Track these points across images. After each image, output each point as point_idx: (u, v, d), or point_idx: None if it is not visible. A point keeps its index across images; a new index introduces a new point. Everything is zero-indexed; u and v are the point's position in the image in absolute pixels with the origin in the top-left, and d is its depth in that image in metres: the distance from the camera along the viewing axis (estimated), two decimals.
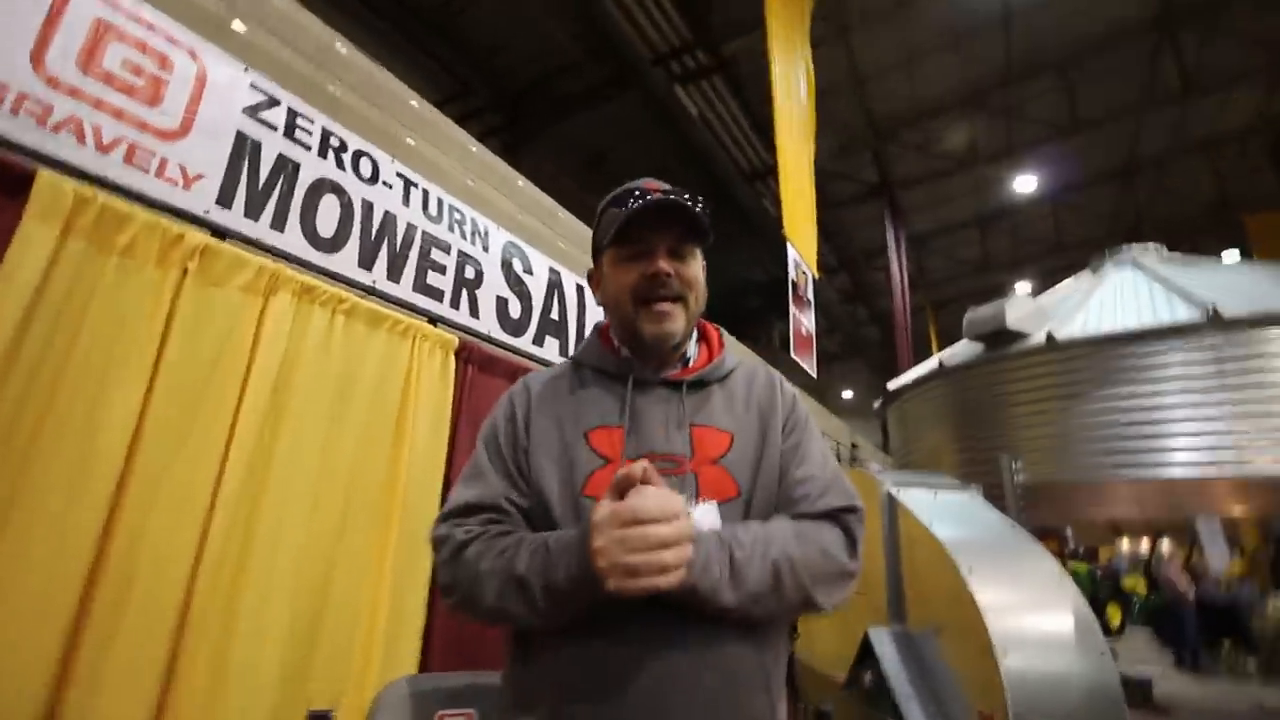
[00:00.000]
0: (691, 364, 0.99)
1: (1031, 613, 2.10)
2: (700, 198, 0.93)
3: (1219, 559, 9.60)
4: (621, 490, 0.73)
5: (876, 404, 6.51)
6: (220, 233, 1.81)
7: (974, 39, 8.68)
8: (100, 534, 1.43)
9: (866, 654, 2.62)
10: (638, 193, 0.92)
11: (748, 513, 0.88)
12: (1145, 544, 15.24)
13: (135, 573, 1.46)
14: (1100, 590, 9.91)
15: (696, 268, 0.97)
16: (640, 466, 0.73)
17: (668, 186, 0.93)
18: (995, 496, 3.71)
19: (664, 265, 0.91)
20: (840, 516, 0.89)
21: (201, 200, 1.77)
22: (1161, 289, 4.34)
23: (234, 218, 1.84)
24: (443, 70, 7.90)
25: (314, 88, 2.24)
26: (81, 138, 1.55)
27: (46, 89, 1.51)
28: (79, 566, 1.39)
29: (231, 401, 1.70)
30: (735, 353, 1.04)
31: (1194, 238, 10.60)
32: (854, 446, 9.89)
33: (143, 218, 1.57)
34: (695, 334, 1.03)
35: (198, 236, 1.67)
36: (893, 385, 5.79)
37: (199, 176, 1.77)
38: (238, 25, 2.18)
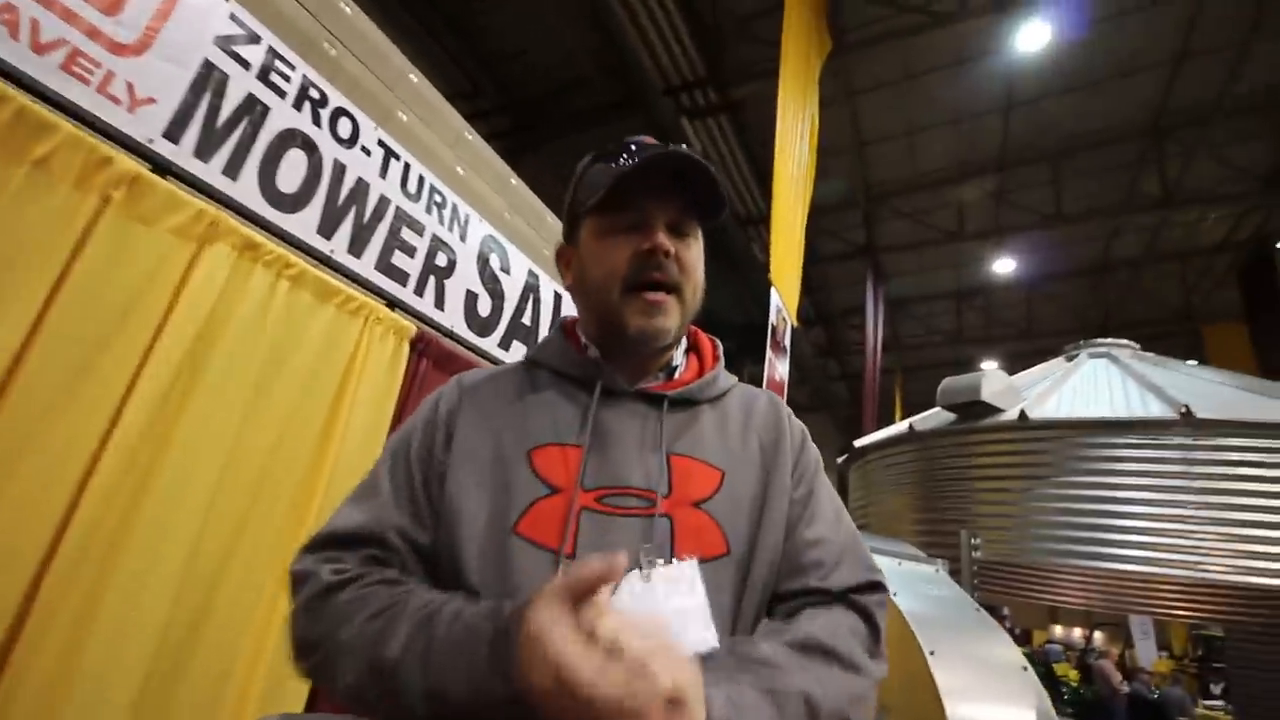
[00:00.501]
0: (677, 376, 0.80)
1: (992, 703, 1.94)
2: (713, 168, 0.74)
3: (1147, 656, 9.65)
4: (576, 595, 0.48)
5: (840, 460, 6.42)
6: (162, 168, 1.59)
7: (975, 120, 8.90)
8: None
9: None
10: (634, 146, 0.73)
11: (741, 581, 0.67)
12: (1078, 633, 15.38)
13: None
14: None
15: (699, 253, 0.78)
16: (605, 565, 0.48)
17: (676, 147, 0.73)
18: (951, 571, 3.57)
19: (664, 241, 0.71)
20: (861, 599, 0.69)
21: (145, 127, 1.56)
22: (1135, 384, 4.34)
23: (180, 153, 1.62)
24: (454, 64, 7.78)
25: (301, 35, 2.05)
26: (15, 31, 1.34)
27: None
28: None
29: (137, 355, 1.47)
30: (730, 376, 0.85)
31: (1157, 340, 10.94)
32: None
33: (67, 130, 1.35)
34: (685, 342, 0.84)
35: (129, 164, 1.45)
36: (860, 443, 5.70)
37: (148, 100, 1.56)
38: None
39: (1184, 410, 3.75)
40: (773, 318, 6.44)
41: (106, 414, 1.41)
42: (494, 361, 2.60)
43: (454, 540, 0.66)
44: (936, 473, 4.67)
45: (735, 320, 12.66)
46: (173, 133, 1.61)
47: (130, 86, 1.53)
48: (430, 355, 2.28)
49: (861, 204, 10.78)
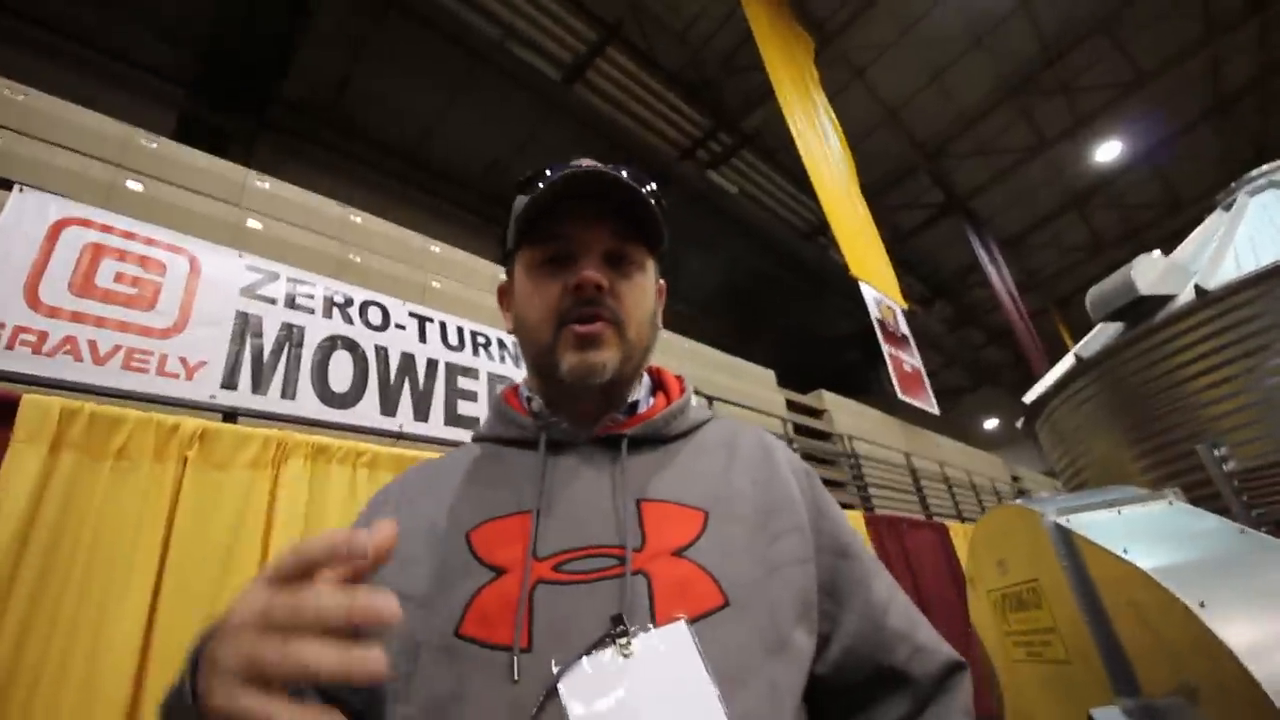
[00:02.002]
0: (640, 413, 0.68)
1: None
2: (647, 178, 0.65)
3: None
4: (285, 577, 0.34)
5: (1019, 424, 5.62)
6: (230, 414, 1.76)
7: (998, 33, 8.24)
8: None
9: None
10: (556, 168, 0.64)
11: (755, 636, 0.53)
12: None
13: None
14: None
15: (645, 284, 0.67)
16: (327, 542, 0.33)
17: (600, 166, 0.64)
18: (1205, 498, 2.91)
19: (591, 274, 0.62)
20: (959, 688, 0.61)
21: (205, 387, 1.74)
22: None
23: (241, 396, 1.79)
24: (472, 214, 8.34)
25: (317, 255, 2.28)
26: (78, 355, 1.56)
27: (42, 318, 1.55)
28: None
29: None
30: (703, 409, 0.73)
31: None
32: (1015, 479, 8.58)
33: (134, 417, 1.52)
34: (649, 383, 0.73)
35: (193, 423, 1.61)
36: (1029, 397, 4.97)
37: (200, 364, 1.75)
38: (253, 223, 2.29)
39: None
40: (874, 311, 5.98)
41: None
42: None
43: (393, 668, 0.54)
44: (1131, 395, 3.92)
45: (848, 329, 12.03)
46: (230, 381, 1.78)
47: (183, 360, 1.72)
48: None
49: (922, 165, 10.14)
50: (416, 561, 0.58)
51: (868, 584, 0.63)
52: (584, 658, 0.49)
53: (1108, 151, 10.62)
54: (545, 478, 0.61)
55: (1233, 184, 4.62)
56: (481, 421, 0.73)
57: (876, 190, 9.43)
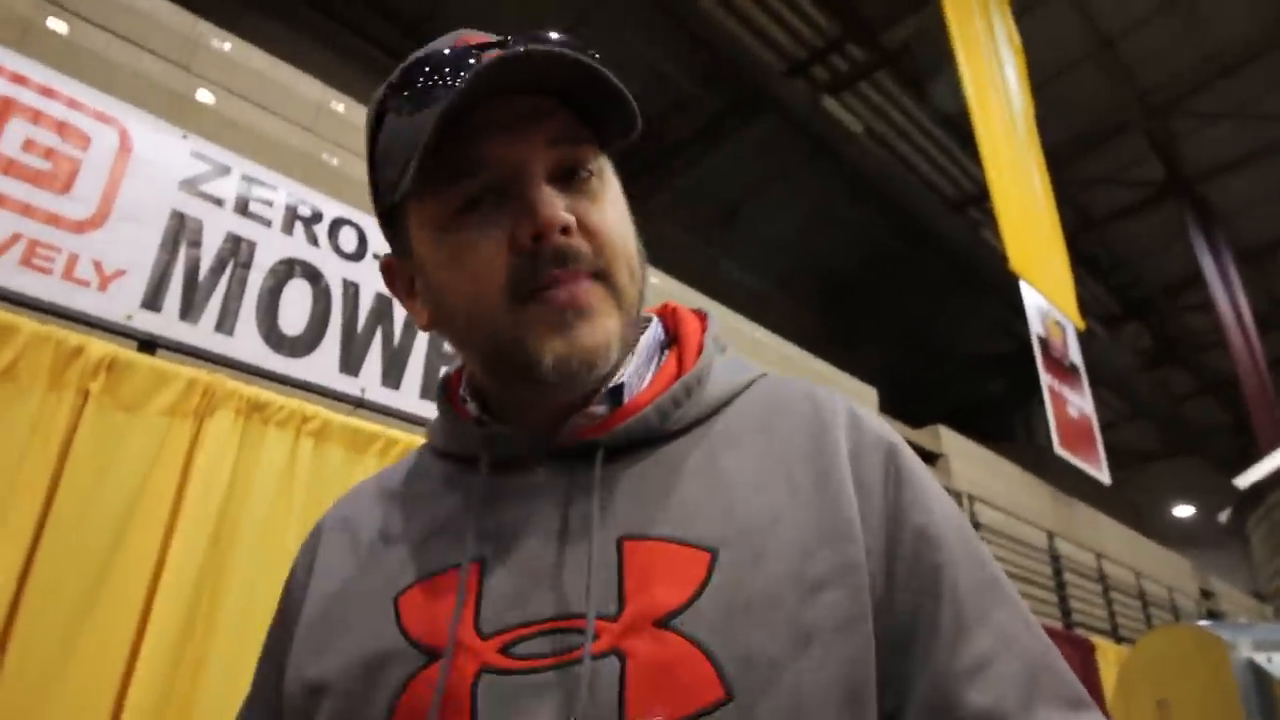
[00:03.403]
0: (628, 400, 0.64)
1: None
2: (587, 50, 0.59)
3: None
4: None
5: (1224, 516, 5.50)
6: (148, 343, 1.87)
7: None
8: None
9: None
10: (449, 59, 0.59)
11: None
12: None
13: None
14: None
15: (615, 200, 0.64)
16: None
17: (492, 37, 0.60)
18: None
19: (555, 211, 0.56)
20: None
21: (121, 303, 1.86)
22: None
23: (166, 322, 1.91)
24: None
25: (283, 151, 2.39)
26: None
27: None
28: None
29: (153, 553, 1.69)
30: (738, 368, 0.70)
31: None
32: (1206, 595, 8.36)
33: (29, 329, 1.65)
34: (653, 339, 0.69)
35: (101, 348, 1.73)
36: (1247, 480, 4.87)
37: (118, 274, 1.87)
38: (204, 95, 2.42)
39: None
40: (1036, 326, 5.90)
41: (129, 630, 1.62)
42: None
43: None
44: None
45: (996, 348, 11.84)
46: (152, 301, 1.90)
47: (97, 264, 1.85)
48: None
49: (1139, 124, 9.85)
50: (340, 637, 0.61)
51: (957, 635, 0.57)
52: None
53: None
54: (491, 515, 0.61)
55: None
56: (432, 420, 0.73)
57: (1066, 154, 9.22)
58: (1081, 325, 6.62)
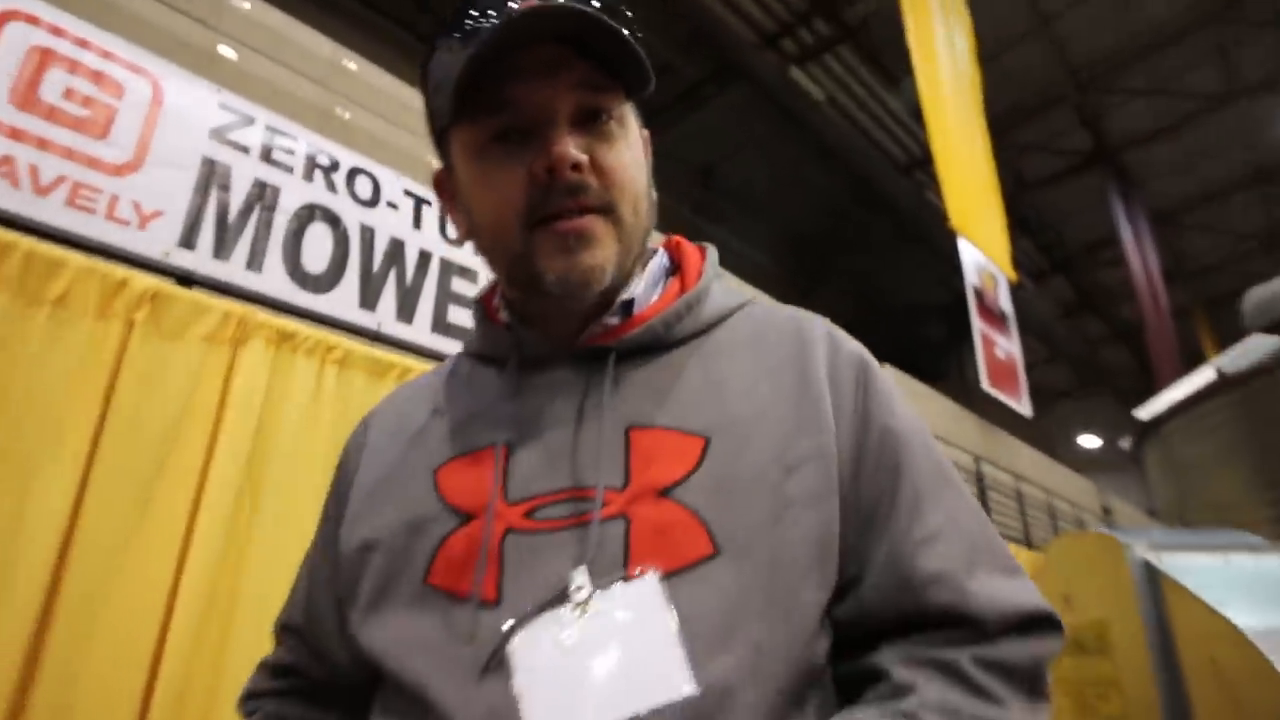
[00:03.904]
0: (636, 313, 0.67)
1: None
2: (615, 6, 0.60)
3: None
4: None
5: (1125, 443, 5.66)
6: (185, 279, 1.85)
7: None
8: (28, 649, 1.42)
9: None
10: (491, 10, 0.59)
11: (749, 589, 0.55)
12: None
13: (80, 673, 1.46)
14: None
15: (630, 146, 0.64)
16: None
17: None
18: None
19: (564, 149, 0.57)
20: (1021, 649, 0.55)
21: (159, 241, 1.83)
22: None
23: (200, 259, 1.88)
24: None
25: (300, 104, 2.32)
26: (15, 180, 1.65)
27: None
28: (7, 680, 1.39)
29: (195, 473, 1.70)
30: (732, 293, 0.73)
31: None
32: (1106, 511, 8.65)
33: (77, 264, 1.62)
34: (659, 267, 0.72)
35: (144, 282, 1.70)
36: (1145, 413, 5.00)
37: (155, 214, 1.83)
38: (226, 51, 2.34)
39: None
40: (972, 278, 5.95)
41: (177, 536, 1.64)
42: None
43: (363, 620, 0.63)
44: (1275, 425, 3.94)
45: (936, 299, 11.93)
46: (188, 239, 1.87)
47: (136, 205, 1.81)
48: None
49: (1071, 97, 9.80)
50: (387, 504, 0.66)
51: (913, 513, 0.60)
52: (538, 616, 0.54)
53: None
54: (518, 405, 0.64)
55: None
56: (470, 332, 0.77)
57: (1004, 123, 9.18)
58: (1014, 278, 6.69)
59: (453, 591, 0.58)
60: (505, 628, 0.54)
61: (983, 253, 6.14)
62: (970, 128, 6.61)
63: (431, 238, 2.38)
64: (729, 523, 0.56)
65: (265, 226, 2.01)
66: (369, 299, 2.17)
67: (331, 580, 0.69)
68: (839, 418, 0.62)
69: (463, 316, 2.38)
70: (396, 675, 0.59)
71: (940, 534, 0.59)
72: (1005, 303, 6.46)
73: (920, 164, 9.78)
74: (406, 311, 2.25)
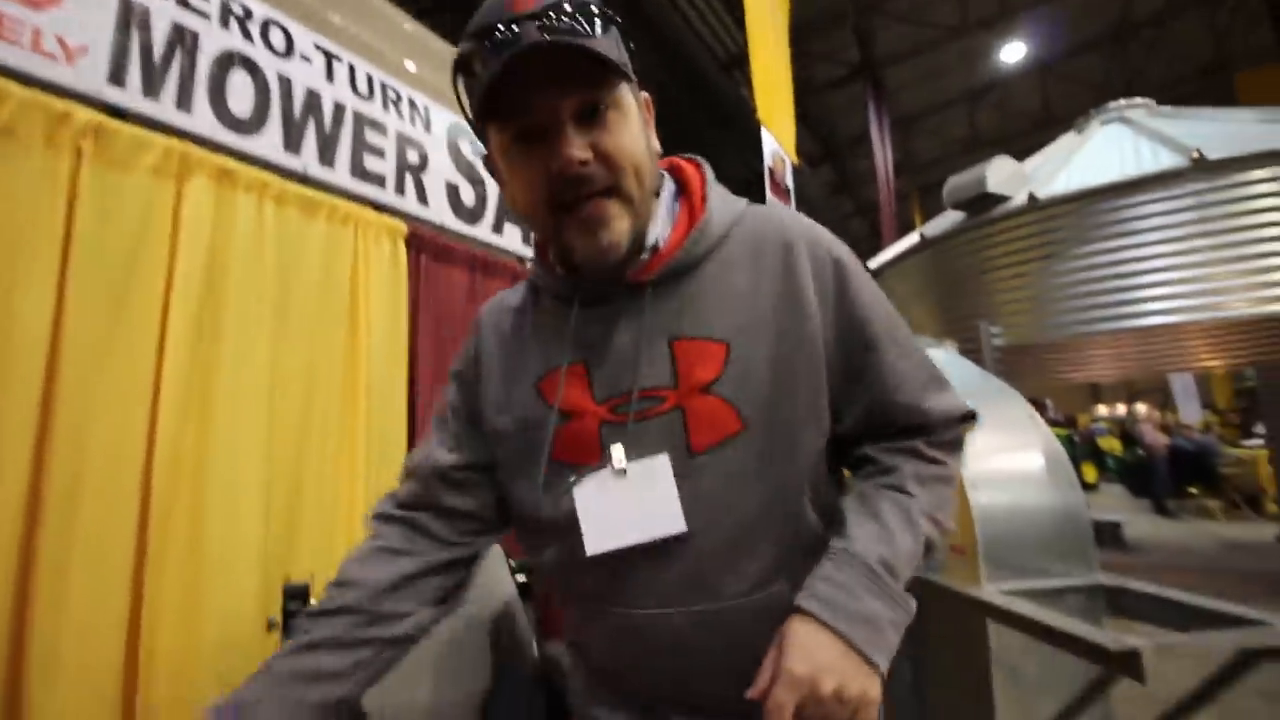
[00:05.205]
0: (662, 247, 0.70)
1: (1002, 453, 2.08)
2: (594, 12, 0.61)
3: (1190, 414, 9.80)
4: None
5: None
6: (120, 113, 1.63)
7: None
8: (33, 458, 1.34)
9: None
10: (497, 33, 0.58)
11: (768, 450, 0.65)
12: (1122, 409, 15.62)
13: (80, 482, 1.39)
14: (1078, 452, 10.18)
15: (628, 125, 0.64)
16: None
17: (539, 8, 0.59)
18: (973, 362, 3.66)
19: (574, 151, 0.60)
20: (953, 440, 0.71)
21: (91, 78, 1.57)
22: (1147, 141, 4.11)
23: (131, 97, 1.65)
24: None
25: None
26: None
27: None
28: (16, 486, 1.31)
29: (158, 296, 1.58)
30: (730, 204, 0.74)
31: (1185, 101, 10.11)
32: None
33: (18, 93, 1.39)
34: (669, 195, 0.74)
35: (86, 114, 1.49)
36: (874, 264, 5.66)
37: (82, 50, 1.56)
38: None
39: (1195, 155, 3.57)
40: (768, 160, 6.19)
41: (150, 353, 1.55)
42: (491, 248, 2.66)
43: (503, 481, 0.75)
44: (950, 274, 4.64)
45: (739, 175, 12.22)
46: (117, 76, 1.62)
47: (60, 40, 1.53)
48: (428, 251, 2.35)
49: (851, 17, 9.89)
50: (507, 405, 0.74)
51: (887, 368, 0.68)
52: (595, 474, 0.67)
53: (1013, 52, 11.04)
54: (588, 331, 0.70)
55: (1092, 110, 5.21)
56: (532, 265, 0.80)
57: (800, 34, 9.17)
58: (797, 162, 7.02)
59: (570, 463, 0.69)
60: (572, 479, 0.67)
61: (777, 141, 6.37)
62: (779, 37, 6.59)
63: (344, 92, 2.18)
64: (750, 405, 0.65)
65: (190, 69, 1.77)
66: (293, 144, 2.01)
67: (468, 439, 0.77)
68: (823, 309, 0.68)
69: (377, 164, 2.25)
70: (520, 510, 0.73)
71: (905, 377, 0.69)
72: (789, 181, 6.82)
73: (738, 63, 9.65)
74: (328, 158, 2.10)
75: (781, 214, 0.73)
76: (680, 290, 0.68)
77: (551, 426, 0.69)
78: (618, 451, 0.66)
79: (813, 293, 0.68)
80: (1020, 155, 4.85)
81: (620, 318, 0.69)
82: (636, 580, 0.66)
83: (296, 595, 1.44)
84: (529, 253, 2.88)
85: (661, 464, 0.65)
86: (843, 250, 0.72)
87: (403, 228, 2.25)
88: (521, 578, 1.55)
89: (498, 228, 2.72)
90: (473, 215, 2.62)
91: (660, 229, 0.71)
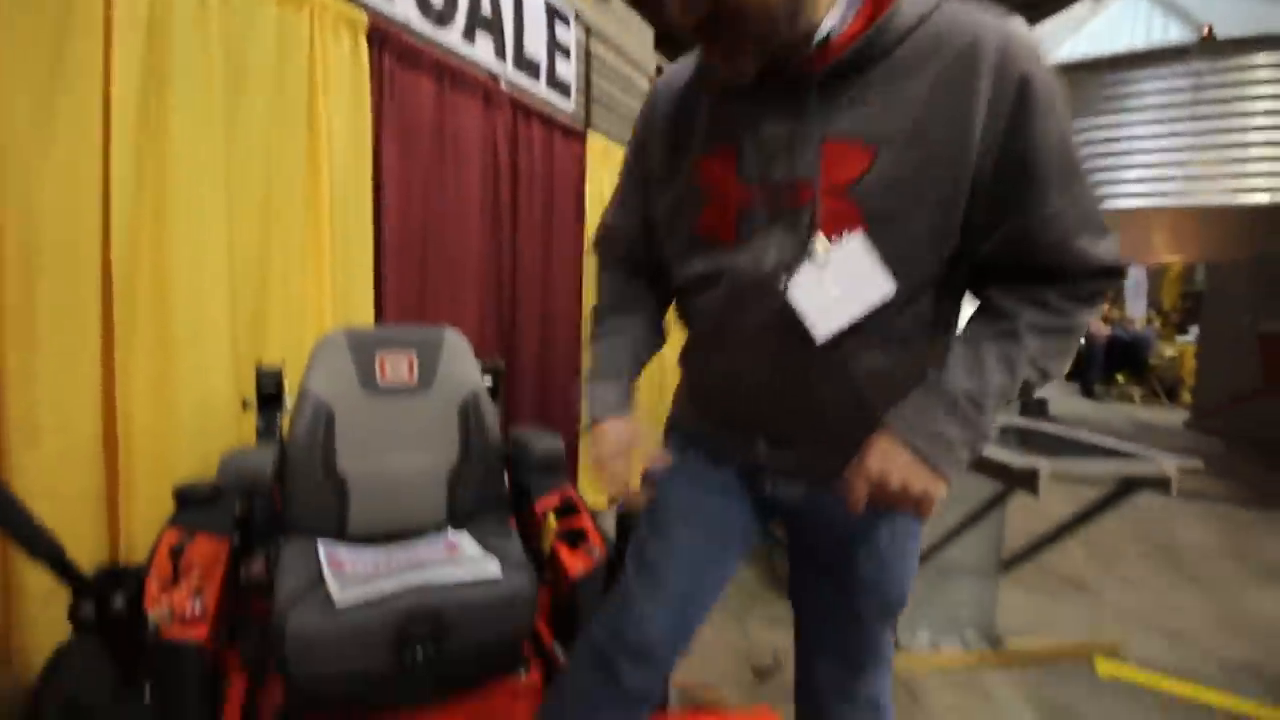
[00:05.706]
0: (835, 38, 0.66)
1: None
2: None
3: (1137, 309, 10.29)
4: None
5: None
6: None
7: None
8: None
9: None
10: None
11: (888, 249, 0.68)
12: None
13: (36, 254, 1.34)
14: None
15: None
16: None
17: None
18: None
19: (678, 18, 0.65)
20: (1091, 293, 0.69)
21: None
22: (1160, 11, 3.93)
23: None
24: None
25: None
26: None
27: None
28: None
29: (96, 88, 1.43)
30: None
31: None
32: None
33: None
34: None
35: None
36: None
37: None
38: None
39: (1206, 31, 3.44)
40: None
41: (94, 145, 1.44)
42: (461, 57, 2.47)
43: (659, 244, 0.87)
44: None
45: None
46: None
47: None
48: (393, 52, 2.18)
49: None
50: (667, 173, 0.83)
51: (1042, 203, 0.65)
52: (801, 264, 0.71)
53: None
54: (748, 118, 0.73)
55: None
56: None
57: None
58: None
59: (713, 237, 0.78)
60: (785, 279, 0.72)
61: None
62: None
63: None
64: (877, 211, 0.68)
65: None
66: None
67: (643, 196, 0.89)
68: (991, 130, 0.63)
69: None
70: (686, 275, 0.83)
71: (1060, 216, 0.65)
72: None
73: None
74: None
75: (980, 17, 0.65)
76: (846, 89, 0.67)
77: (703, 204, 0.77)
78: (820, 242, 0.69)
79: (984, 113, 0.63)
80: (1030, 18, 4.58)
81: (779, 109, 0.70)
82: (763, 335, 0.77)
83: (269, 377, 1.49)
84: (502, 69, 2.69)
85: (857, 243, 0.68)
86: (1037, 68, 0.63)
87: (362, 18, 2.06)
88: (489, 380, 1.63)
89: (469, 34, 2.51)
90: (441, 17, 2.40)
91: (836, 18, 0.66)
